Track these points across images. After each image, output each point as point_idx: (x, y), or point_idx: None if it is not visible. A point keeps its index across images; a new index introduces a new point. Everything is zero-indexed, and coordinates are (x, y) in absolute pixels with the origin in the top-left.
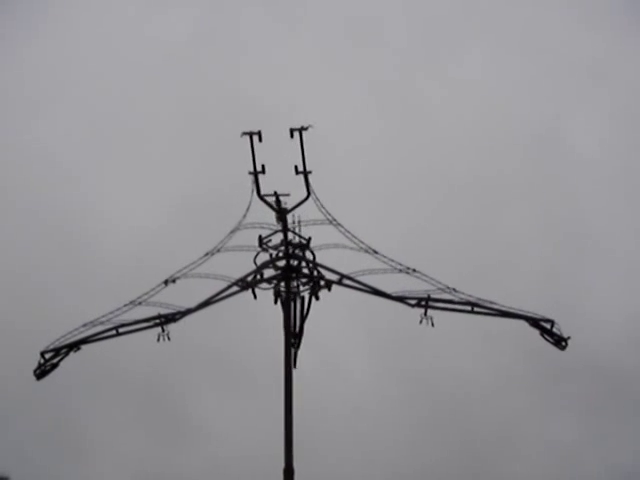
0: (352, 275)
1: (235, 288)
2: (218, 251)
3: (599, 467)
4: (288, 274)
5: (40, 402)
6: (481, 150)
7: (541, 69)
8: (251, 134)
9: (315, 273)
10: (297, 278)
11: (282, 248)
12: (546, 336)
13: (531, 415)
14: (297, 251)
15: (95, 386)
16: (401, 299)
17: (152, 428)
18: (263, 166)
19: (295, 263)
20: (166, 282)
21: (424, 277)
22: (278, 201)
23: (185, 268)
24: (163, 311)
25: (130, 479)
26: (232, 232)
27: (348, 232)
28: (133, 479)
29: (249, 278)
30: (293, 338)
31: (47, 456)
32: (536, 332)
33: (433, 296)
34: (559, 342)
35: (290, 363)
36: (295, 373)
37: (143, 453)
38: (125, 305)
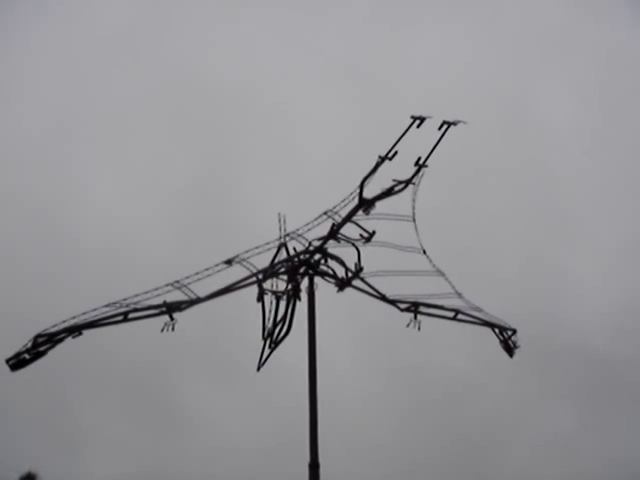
0: (364, 276)
1: (251, 279)
2: (299, 236)
3: (599, 455)
4: (308, 270)
5: (32, 393)
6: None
7: (507, 40)
8: (417, 118)
9: (331, 271)
10: (311, 274)
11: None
12: (503, 344)
13: (527, 406)
14: (338, 243)
15: (89, 378)
16: (393, 302)
17: (145, 419)
18: (395, 152)
19: (317, 258)
20: (229, 262)
21: (447, 280)
22: (390, 190)
23: (256, 248)
24: (170, 299)
25: (124, 469)
26: (320, 217)
27: (416, 232)
28: (127, 469)
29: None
30: (268, 339)
31: (40, 447)
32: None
33: (422, 301)
34: (509, 350)
35: (314, 360)
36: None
37: (137, 444)
38: (166, 285)
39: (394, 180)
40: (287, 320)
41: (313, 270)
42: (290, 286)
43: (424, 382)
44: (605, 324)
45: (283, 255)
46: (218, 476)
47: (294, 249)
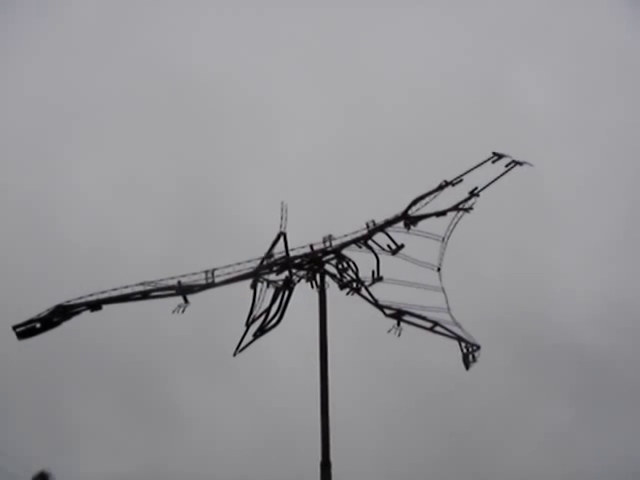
0: (367, 282)
1: (264, 270)
2: (332, 246)
3: (595, 455)
4: (317, 268)
5: (27, 391)
6: (428, 114)
7: (480, 27)
8: (496, 154)
9: (338, 274)
10: (321, 273)
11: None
12: (463, 356)
13: (522, 405)
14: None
15: (83, 375)
16: (381, 307)
17: (141, 417)
18: (460, 180)
19: (329, 258)
20: (269, 256)
21: (445, 297)
22: (440, 212)
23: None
24: (185, 281)
25: (119, 468)
26: (363, 229)
27: (442, 251)
28: (122, 468)
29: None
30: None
31: (35, 445)
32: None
33: (406, 309)
34: (467, 362)
35: (326, 358)
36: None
37: (132, 442)
38: (205, 271)
39: (454, 206)
40: (279, 311)
41: (322, 268)
42: (284, 278)
43: (418, 381)
44: (594, 321)
45: (281, 244)
46: (222, 476)
47: (310, 246)
